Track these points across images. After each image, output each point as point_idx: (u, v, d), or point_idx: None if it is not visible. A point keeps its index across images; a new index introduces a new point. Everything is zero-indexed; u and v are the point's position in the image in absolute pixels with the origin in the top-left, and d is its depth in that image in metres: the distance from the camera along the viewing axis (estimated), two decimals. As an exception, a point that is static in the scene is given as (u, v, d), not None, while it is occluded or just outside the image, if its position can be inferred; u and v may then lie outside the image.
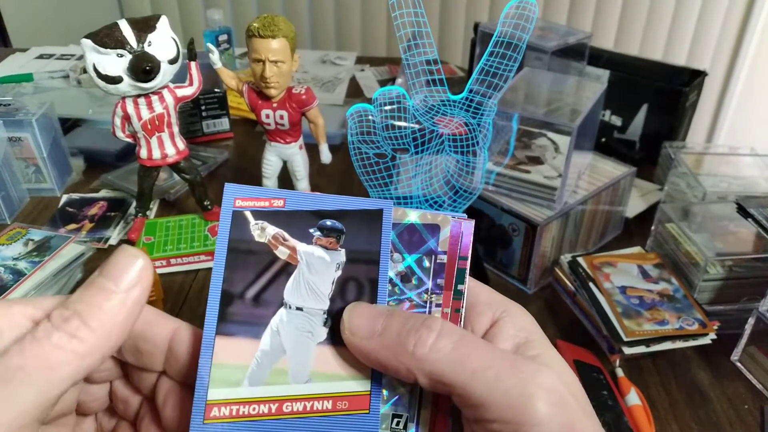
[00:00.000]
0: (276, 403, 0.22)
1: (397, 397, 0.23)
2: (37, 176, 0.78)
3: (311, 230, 0.23)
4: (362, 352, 0.22)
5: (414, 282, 0.23)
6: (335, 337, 0.23)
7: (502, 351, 0.22)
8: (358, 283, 0.23)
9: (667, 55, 1.73)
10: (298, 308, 0.23)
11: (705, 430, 0.50)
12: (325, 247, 0.23)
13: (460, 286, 0.24)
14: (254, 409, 0.22)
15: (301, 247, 0.23)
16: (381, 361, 0.22)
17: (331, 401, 0.22)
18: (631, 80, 0.84)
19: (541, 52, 0.78)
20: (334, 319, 0.23)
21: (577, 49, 0.82)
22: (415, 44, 0.53)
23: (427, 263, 0.24)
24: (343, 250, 0.23)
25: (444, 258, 0.24)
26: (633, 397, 0.51)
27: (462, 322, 0.24)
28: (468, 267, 0.24)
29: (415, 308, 0.23)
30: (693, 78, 0.82)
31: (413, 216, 0.24)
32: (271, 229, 0.23)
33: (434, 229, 0.24)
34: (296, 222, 0.23)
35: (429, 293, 0.23)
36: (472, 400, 0.21)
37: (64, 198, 0.78)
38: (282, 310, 0.23)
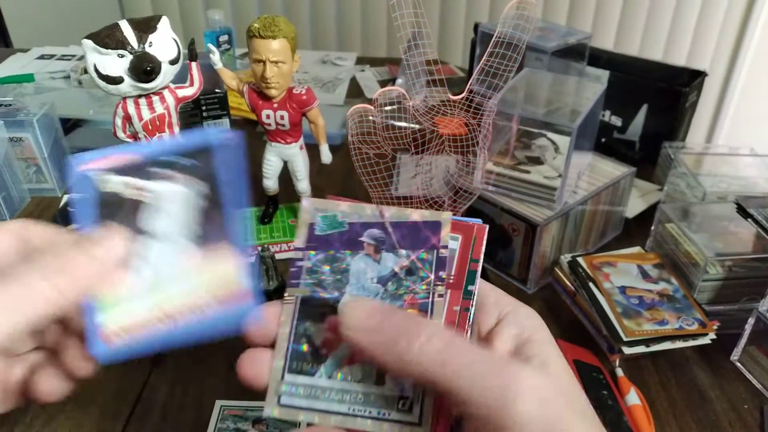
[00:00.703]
0: (161, 308, 0.24)
1: (404, 379, 0.24)
2: (38, 176, 0.78)
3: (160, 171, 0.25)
4: (357, 347, 0.23)
5: (420, 275, 0.25)
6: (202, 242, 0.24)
7: (489, 352, 0.23)
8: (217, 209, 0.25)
9: (666, 55, 1.73)
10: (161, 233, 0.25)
11: (705, 430, 0.50)
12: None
13: (470, 287, 0.25)
14: (145, 321, 0.24)
15: (152, 185, 0.24)
16: (373, 356, 0.23)
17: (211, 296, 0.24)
18: (631, 80, 0.84)
19: (541, 53, 0.78)
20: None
21: (577, 50, 0.82)
22: (415, 44, 0.53)
23: (429, 257, 0.25)
24: (198, 182, 0.25)
25: (445, 252, 0.25)
26: (633, 397, 0.51)
27: (471, 321, 0.25)
28: (479, 269, 0.26)
29: (419, 300, 0.25)
30: (693, 78, 0.83)
31: (415, 215, 0.26)
32: (117, 178, 0.24)
33: (435, 225, 0.25)
34: (151, 169, 0.25)
35: (431, 285, 0.25)
36: (456, 398, 0.21)
37: (65, 198, 0.78)
38: (147, 240, 0.25)
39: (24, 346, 0.26)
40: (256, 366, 0.25)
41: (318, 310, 0.25)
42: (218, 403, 0.50)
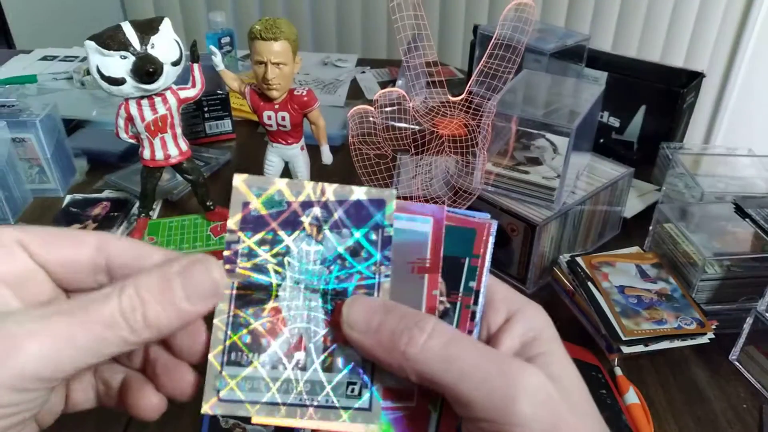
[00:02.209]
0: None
1: (351, 364, 0.24)
2: (40, 177, 0.78)
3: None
4: (358, 346, 0.23)
5: (363, 255, 0.24)
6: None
7: (492, 352, 0.23)
8: None
9: (664, 56, 1.73)
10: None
11: (703, 430, 0.50)
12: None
13: (471, 283, 0.25)
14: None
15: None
16: (375, 356, 0.23)
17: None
18: (629, 82, 0.84)
19: (540, 54, 0.78)
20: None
21: (576, 51, 0.83)
22: (415, 46, 0.53)
23: (374, 236, 0.24)
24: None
25: (391, 231, 0.24)
26: (631, 396, 0.51)
27: (479, 318, 0.25)
28: (483, 265, 0.25)
29: (364, 280, 0.24)
30: (691, 79, 0.83)
31: (359, 193, 0.24)
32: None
33: (380, 203, 0.24)
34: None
35: (377, 265, 0.24)
36: (460, 399, 0.21)
37: (68, 198, 0.78)
38: None
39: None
40: None
41: (257, 296, 0.23)
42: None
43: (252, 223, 0.24)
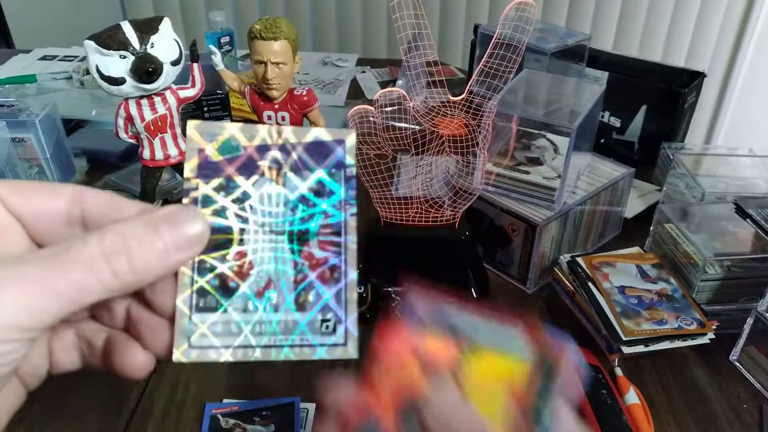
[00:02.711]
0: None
1: (324, 301, 0.24)
2: (40, 177, 0.78)
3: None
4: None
5: (326, 194, 0.24)
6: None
7: None
8: None
9: (666, 56, 1.73)
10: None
11: (704, 430, 0.50)
12: None
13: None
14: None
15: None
16: None
17: None
18: (630, 81, 0.84)
19: (541, 54, 0.78)
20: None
21: (577, 51, 0.82)
22: (415, 46, 0.53)
23: (336, 174, 0.24)
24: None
25: (353, 171, 0.24)
26: (632, 396, 0.51)
27: None
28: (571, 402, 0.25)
29: (330, 218, 0.24)
30: (692, 79, 0.83)
31: (318, 132, 0.24)
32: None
33: (340, 141, 0.24)
34: None
35: (342, 203, 0.24)
36: None
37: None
38: None
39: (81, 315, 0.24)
40: None
41: (221, 241, 0.23)
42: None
43: (208, 170, 0.23)
